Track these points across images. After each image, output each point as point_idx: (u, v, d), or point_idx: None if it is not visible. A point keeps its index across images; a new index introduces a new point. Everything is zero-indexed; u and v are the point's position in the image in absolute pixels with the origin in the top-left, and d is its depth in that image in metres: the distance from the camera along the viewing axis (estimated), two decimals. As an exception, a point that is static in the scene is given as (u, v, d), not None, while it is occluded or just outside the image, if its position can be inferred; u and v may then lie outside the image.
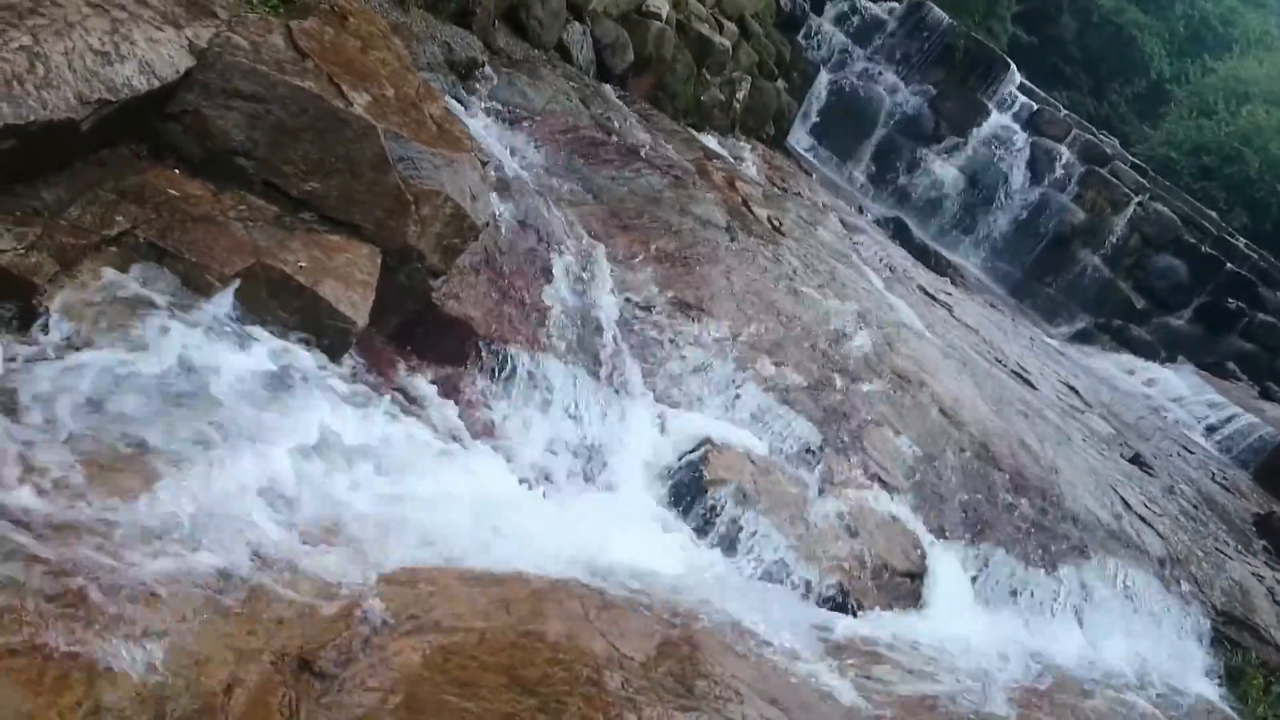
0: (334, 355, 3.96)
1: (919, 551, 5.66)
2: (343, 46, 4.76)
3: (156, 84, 3.81)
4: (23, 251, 3.25)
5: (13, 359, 3.01)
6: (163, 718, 2.36)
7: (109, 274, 3.41)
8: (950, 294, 12.28)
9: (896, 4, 19.15)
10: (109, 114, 3.63)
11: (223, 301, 3.60)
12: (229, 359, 3.50)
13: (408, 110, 4.74)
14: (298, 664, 2.73)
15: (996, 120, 19.05)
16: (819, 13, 18.08)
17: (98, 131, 3.66)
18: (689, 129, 11.08)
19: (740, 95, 12.62)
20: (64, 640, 2.36)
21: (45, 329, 3.15)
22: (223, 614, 2.68)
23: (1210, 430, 14.60)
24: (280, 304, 3.81)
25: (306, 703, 2.62)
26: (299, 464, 3.44)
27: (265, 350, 3.67)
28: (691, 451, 5.28)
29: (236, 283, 3.67)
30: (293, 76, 4.22)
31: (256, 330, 3.68)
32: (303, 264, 3.89)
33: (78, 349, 3.16)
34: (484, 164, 5.19)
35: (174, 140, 4.01)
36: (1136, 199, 18.76)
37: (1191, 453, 12.31)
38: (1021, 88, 19.77)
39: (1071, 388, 11.40)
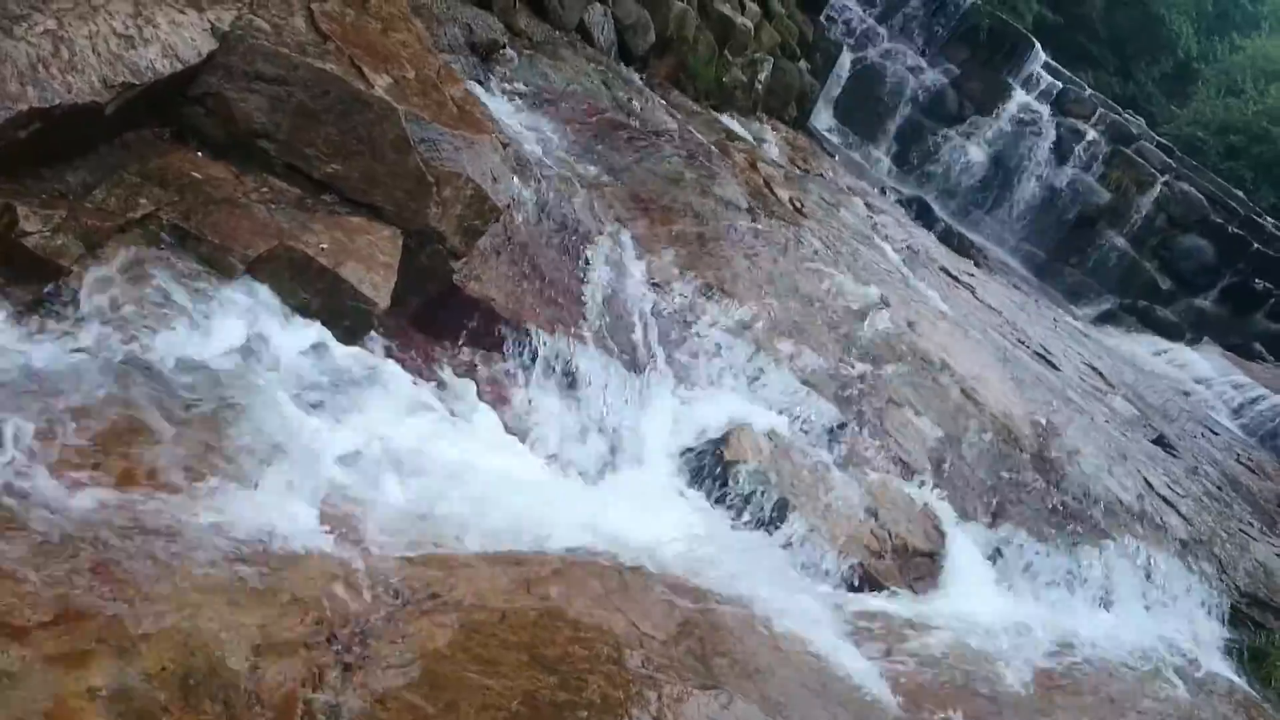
0: (355, 336, 3.99)
1: (939, 532, 5.66)
2: (364, 28, 4.78)
3: (179, 67, 3.84)
4: (49, 234, 3.28)
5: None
6: (187, 696, 2.39)
7: (134, 255, 3.44)
8: (973, 275, 12.24)
9: (920, -18, 19.03)
10: (133, 97, 3.66)
11: (246, 282, 3.63)
12: (245, 336, 3.53)
13: (428, 92, 4.75)
14: (321, 642, 2.76)
15: (1021, 100, 18.93)
16: (842, -8, 17.99)
17: (122, 115, 3.69)
18: (711, 110, 11.06)
19: (762, 76, 12.57)
20: (89, 618, 2.40)
21: (72, 310, 3.18)
22: (245, 593, 2.72)
23: (1236, 412, 14.53)
24: (302, 285, 3.83)
25: (329, 681, 2.65)
26: (319, 443, 3.47)
27: (286, 331, 3.70)
28: (712, 432, 5.29)
29: (260, 264, 3.69)
30: (314, 59, 4.23)
31: (276, 310, 3.70)
32: (324, 246, 3.91)
33: (104, 328, 3.20)
34: (505, 146, 5.20)
35: (197, 123, 4.03)
36: (1163, 179, 18.62)
37: (1216, 434, 12.26)
38: (1046, 67, 19.63)
39: (1095, 369, 11.35)
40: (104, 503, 2.75)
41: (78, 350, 3.11)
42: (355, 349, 3.96)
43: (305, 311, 3.81)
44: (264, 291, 3.69)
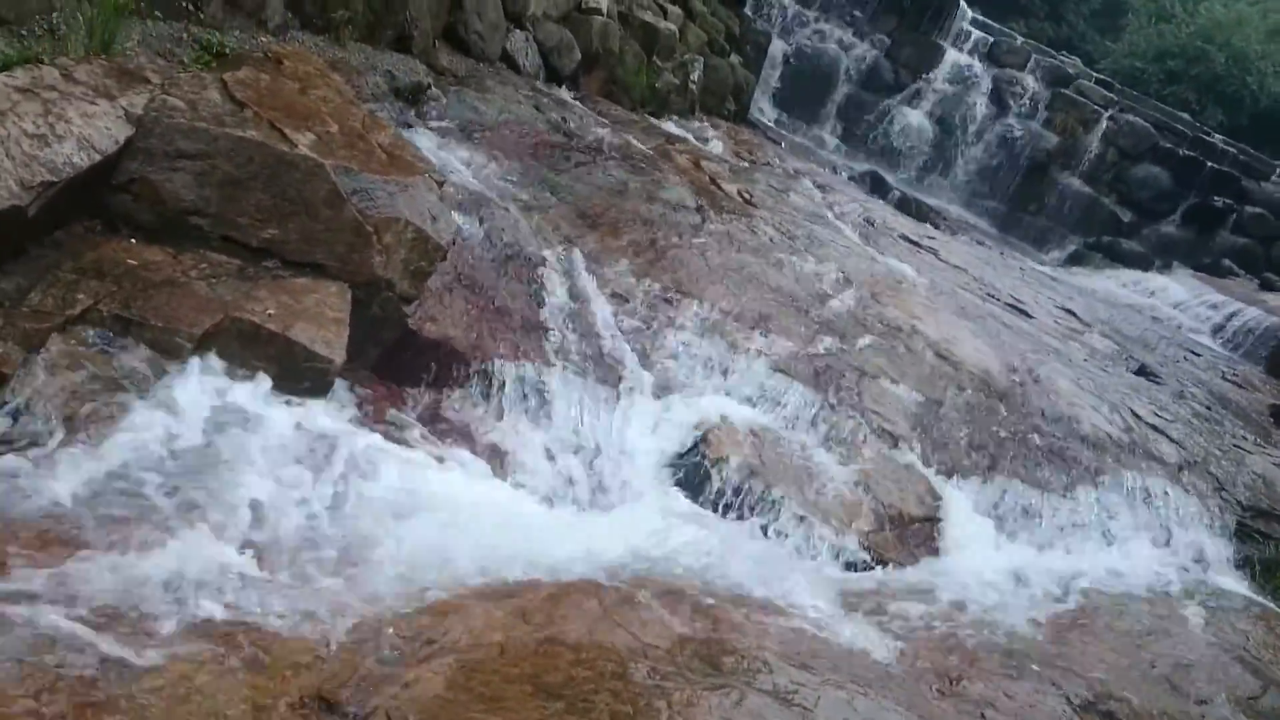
0: (316, 396, 3.97)
1: (933, 496, 5.65)
2: (280, 90, 4.77)
3: (98, 158, 3.83)
4: (-13, 343, 3.26)
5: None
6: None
7: (78, 352, 3.41)
8: (934, 238, 12.25)
9: (837, -41, 19.10)
10: (54, 195, 3.65)
11: (196, 361, 3.61)
12: (206, 414, 3.51)
13: (354, 143, 4.75)
14: (319, 706, 2.73)
15: (954, 59, 19.00)
16: (762, -19, 18.06)
17: (47, 214, 3.67)
18: (648, 117, 11.07)
19: (695, 76, 12.59)
20: (78, 708, 2.37)
21: (17, 416, 3.15)
22: (234, 664, 2.69)
23: (1216, 330, 14.57)
24: (255, 354, 3.81)
25: (332, 741, 2.63)
26: (298, 506, 3.45)
27: (247, 400, 3.68)
28: (692, 433, 5.28)
29: (208, 340, 3.68)
30: (233, 128, 4.23)
31: (234, 382, 3.69)
32: (271, 311, 3.90)
33: (53, 432, 3.17)
34: (440, 184, 5.19)
35: (125, 210, 4.02)
36: (1107, 113, 18.69)
37: (1199, 355, 12.28)
38: (974, 22, 19.70)
39: (1068, 310, 11.37)
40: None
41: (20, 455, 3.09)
42: (317, 407, 3.93)
43: (261, 379, 3.79)
44: (216, 366, 3.67)
